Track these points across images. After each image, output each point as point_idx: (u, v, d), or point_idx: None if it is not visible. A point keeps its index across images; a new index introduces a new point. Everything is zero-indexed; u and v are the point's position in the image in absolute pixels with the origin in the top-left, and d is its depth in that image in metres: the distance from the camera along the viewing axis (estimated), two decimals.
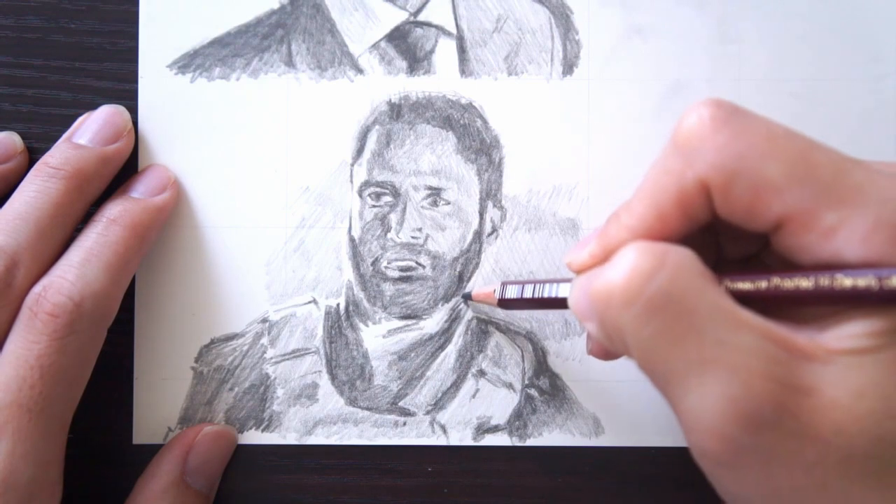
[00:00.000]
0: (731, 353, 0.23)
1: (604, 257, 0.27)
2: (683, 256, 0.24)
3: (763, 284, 0.24)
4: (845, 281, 0.23)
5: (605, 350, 0.31)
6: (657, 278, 0.23)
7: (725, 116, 0.25)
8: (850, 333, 0.23)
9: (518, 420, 0.36)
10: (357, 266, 0.37)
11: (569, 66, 0.37)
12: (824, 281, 0.23)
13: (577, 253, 0.28)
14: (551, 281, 0.31)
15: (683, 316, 0.23)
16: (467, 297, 0.36)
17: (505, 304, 0.33)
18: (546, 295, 0.31)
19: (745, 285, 0.25)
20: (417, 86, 0.37)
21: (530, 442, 0.36)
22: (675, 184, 0.25)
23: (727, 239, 0.28)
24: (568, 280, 0.30)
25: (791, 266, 0.25)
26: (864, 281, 0.22)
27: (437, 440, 0.36)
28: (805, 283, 0.24)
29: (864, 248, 0.23)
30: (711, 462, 0.25)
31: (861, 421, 0.22)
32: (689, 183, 0.25)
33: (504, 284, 0.33)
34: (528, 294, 0.32)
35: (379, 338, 0.37)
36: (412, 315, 0.37)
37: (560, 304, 0.30)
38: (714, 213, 0.25)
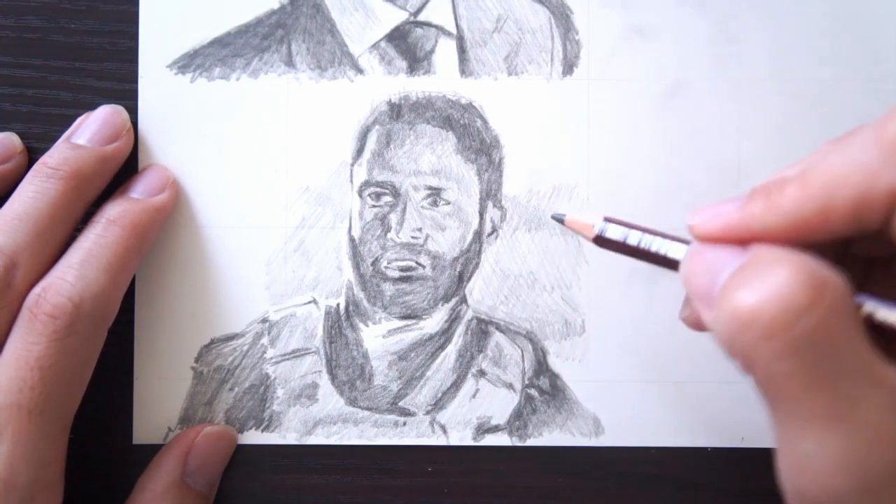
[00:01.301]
0: (864, 412, 0.21)
1: (738, 235, 0.24)
2: (840, 292, 0.21)
3: None
4: None
5: (699, 323, 0.28)
6: (810, 316, 0.21)
7: None
8: None
9: (518, 420, 0.36)
10: (357, 266, 0.37)
11: (569, 66, 0.37)
12: None
13: (707, 218, 0.25)
14: (664, 235, 0.27)
15: (824, 362, 0.21)
16: (559, 219, 0.31)
17: (602, 242, 0.29)
18: (654, 250, 0.27)
19: (891, 317, 0.22)
20: (417, 86, 0.37)
21: (530, 442, 0.36)
22: (862, 183, 0.22)
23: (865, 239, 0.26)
24: (683, 241, 0.27)
25: None
26: None
27: (437, 440, 0.36)
28: None
29: None
30: None
31: None
32: (881, 189, 0.22)
33: (607, 220, 0.29)
34: (632, 241, 0.28)
35: (379, 338, 0.37)
36: (412, 315, 0.37)
37: (668, 264, 0.27)
38: (886, 230, 0.22)
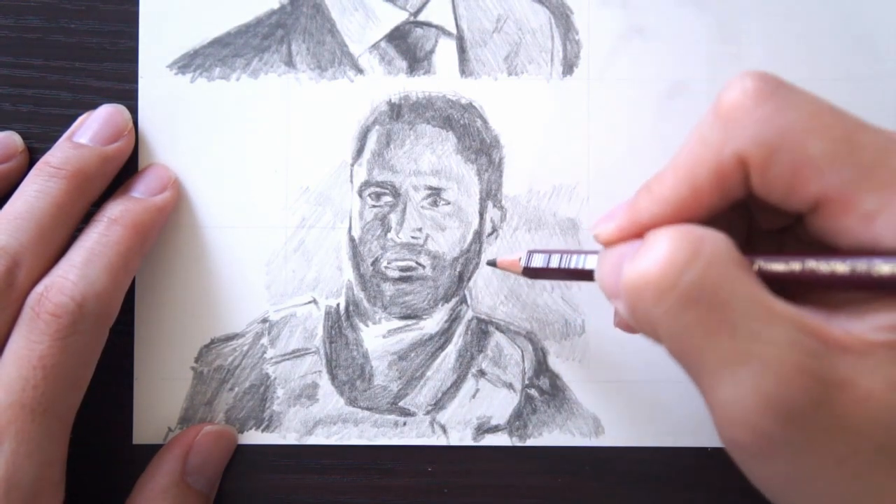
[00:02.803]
0: (765, 347, 0.22)
1: (633, 231, 0.26)
2: (719, 245, 0.23)
3: (797, 267, 0.24)
4: (883, 268, 0.22)
5: (629, 325, 0.30)
6: (691, 270, 0.23)
7: (770, 90, 0.24)
8: (886, 324, 0.22)
9: (518, 420, 0.36)
10: (357, 266, 0.37)
11: (569, 66, 0.37)
12: (861, 267, 0.23)
13: (605, 225, 0.27)
14: (579, 252, 0.30)
15: (717, 309, 0.23)
16: (492, 264, 0.35)
17: (530, 272, 0.32)
18: (573, 266, 0.30)
19: (778, 267, 0.24)
20: (417, 86, 0.37)
21: (530, 442, 0.36)
22: (713, 156, 0.24)
23: (760, 211, 0.28)
24: (596, 252, 0.29)
25: (824, 247, 0.24)
26: None
27: (437, 440, 0.36)
28: (841, 268, 0.23)
29: None
30: (743, 453, 0.24)
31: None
32: (727, 156, 0.24)
33: (530, 253, 0.32)
34: (554, 264, 0.31)
35: (379, 338, 0.37)
36: (412, 315, 0.37)
37: (587, 276, 0.29)
38: (750, 189, 0.25)
